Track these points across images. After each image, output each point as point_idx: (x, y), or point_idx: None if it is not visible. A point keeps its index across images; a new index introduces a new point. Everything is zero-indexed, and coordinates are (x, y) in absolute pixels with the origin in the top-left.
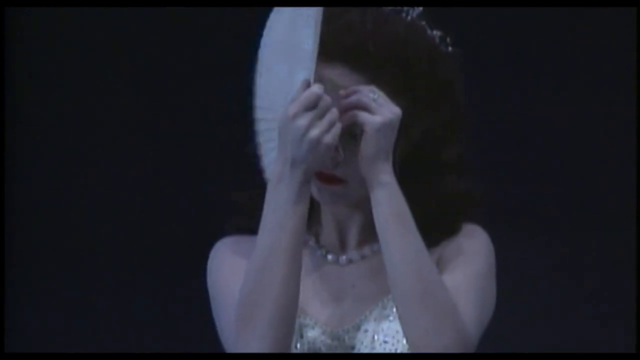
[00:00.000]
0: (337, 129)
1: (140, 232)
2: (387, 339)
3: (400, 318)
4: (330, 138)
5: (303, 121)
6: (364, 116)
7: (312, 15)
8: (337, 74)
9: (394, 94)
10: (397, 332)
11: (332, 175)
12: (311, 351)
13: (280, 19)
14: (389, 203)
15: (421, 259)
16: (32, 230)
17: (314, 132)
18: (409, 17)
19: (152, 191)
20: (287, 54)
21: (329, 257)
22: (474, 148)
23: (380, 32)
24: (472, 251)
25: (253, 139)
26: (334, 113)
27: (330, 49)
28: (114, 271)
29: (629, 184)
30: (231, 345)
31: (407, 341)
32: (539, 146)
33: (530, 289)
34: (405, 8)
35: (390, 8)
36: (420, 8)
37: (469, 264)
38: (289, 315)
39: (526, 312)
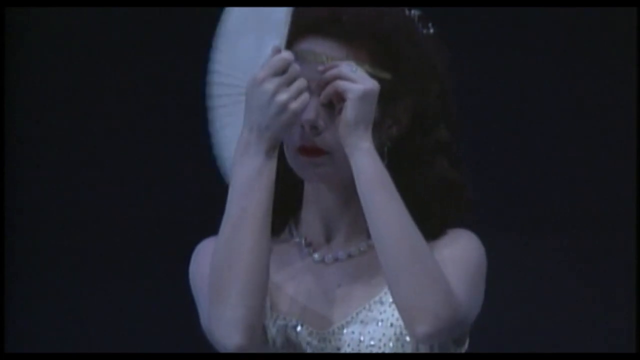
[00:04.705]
0: (305, 97)
1: (140, 233)
2: (373, 342)
3: (390, 282)
4: (297, 104)
5: (270, 85)
6: (345, 84)
7: None
8: (311, 44)
9: (374, 69)
10: (383, 335)
11: (315, 146)
12: (297, 352)
13: None
14: (370, 168)
15: (405, 220)
16: (32, 231)
17: (281, 97)
18: None
19: (151, 191)
20: (255, 25)
21: (315, 255)
22: (474, 150)
23: (353, 5)
24: (461, 244)
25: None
26: (302, 81)
27: (303, 23)
28: (114, 271)
29: (629, 184)
30: (206, 320)
31: (397, 306)
32: (539, 147)
33: (530, 289)
34: None
35: None
36: None
37: (458, 252)
38: (260, 282)
39: (526, 312)
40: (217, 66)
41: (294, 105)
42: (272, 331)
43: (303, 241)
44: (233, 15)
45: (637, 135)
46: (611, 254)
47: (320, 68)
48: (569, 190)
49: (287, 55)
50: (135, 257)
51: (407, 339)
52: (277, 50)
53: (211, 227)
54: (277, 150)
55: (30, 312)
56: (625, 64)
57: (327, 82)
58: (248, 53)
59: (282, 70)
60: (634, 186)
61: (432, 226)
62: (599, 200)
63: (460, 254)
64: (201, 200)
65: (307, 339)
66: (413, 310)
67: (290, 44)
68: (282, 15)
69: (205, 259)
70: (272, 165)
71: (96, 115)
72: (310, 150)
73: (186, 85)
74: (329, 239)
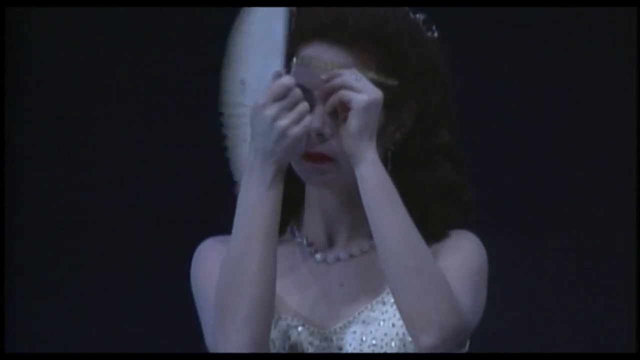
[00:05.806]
0: (307, 121)
1: (140, 233)
2: (375, 341)
3: (394, 292)
4: (298, 130)
5: (270, 111)
6: (350, 94)
7: (283, 8)
8: (317, 50)
9: (380, 76)
10: (385, 335)
11: (320, 152)
12: (299, 352)
13: (253, 15)
14: (375, 177)
15: (410, 229)
16: (32, 231)
17: (282, 123)
18: None
19: (151, 191)
20: (262, 46)
21: (317, 255)
22: (474, 150)
23: (358, 9)
24: (464, 248)
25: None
26: (304, 106)
27: (308, 28)
28: (114, 271)
29: (629, 184)
30: (211, 340)
31: (401, 315)
32: (539, 147)
33: (530, 289)
34: None
35: None
36: None
37: (461, 258)
38: (266, 306)
39: (526, 312)
40: (233, 97)
41: (295, 130)
42: (274, 332)
43: (305, 241)
44: (245, 30)
45: (637, 135)
46: (611, 254)
47: (324, 77)
48: (569, 190)
49: (287, 80)
50: (135, 257)
51: (409, 339)
52: (278, 75)
53: (211, 227)
54: (284, 175)
55: (30, 312)
56: (625, 64)
57: (330, 91)
58: (258, 77)
59: (283, 96)
60: (634, 186)
61: (433, 227)
62: (599, 200)
63: (462, 258)
64: (201, 200)
65: (308, 339)
66: (416, 318)
67: (295, 49)
68: (279, 36)
69: (206, 258)
70: (278, 189)
71: (96, 115)
72: (316, 157)
73: (186, 85)
74: (331, 239)
